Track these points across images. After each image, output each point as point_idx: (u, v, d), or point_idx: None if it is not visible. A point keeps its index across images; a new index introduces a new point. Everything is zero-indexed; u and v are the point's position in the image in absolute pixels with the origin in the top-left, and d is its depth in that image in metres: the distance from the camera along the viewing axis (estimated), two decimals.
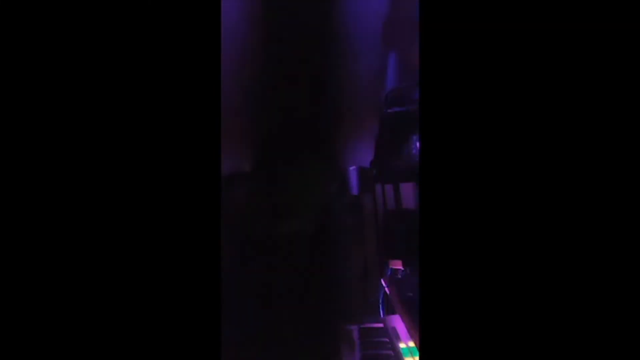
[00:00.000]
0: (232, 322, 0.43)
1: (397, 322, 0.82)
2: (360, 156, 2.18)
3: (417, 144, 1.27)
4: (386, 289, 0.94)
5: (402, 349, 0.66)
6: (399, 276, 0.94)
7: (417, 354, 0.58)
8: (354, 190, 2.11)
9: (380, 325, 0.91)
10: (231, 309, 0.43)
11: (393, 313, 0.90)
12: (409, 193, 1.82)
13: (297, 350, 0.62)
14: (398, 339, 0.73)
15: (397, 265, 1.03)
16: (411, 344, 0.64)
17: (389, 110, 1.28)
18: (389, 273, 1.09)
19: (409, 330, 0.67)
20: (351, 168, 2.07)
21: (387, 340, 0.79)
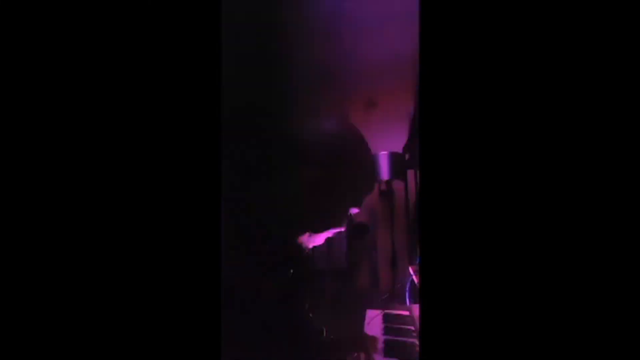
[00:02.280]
0: (250, 302, 0.42)
1: None
2: (391, 141, 2.08)
3: None
4: (413, 277, 0.89)
5: None
6: None
7: None
8: (385, 176, 2.04)
9: (406, 312, 0.87)
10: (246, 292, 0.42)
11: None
12: None
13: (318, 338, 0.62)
14: None
15: None
16: None
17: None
18: (418, 261, 1.04)
19: None
20: (382, 153, 1.99)
21: (412, 328, 0.76)
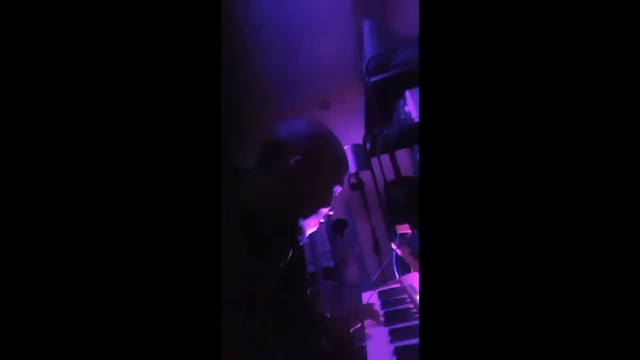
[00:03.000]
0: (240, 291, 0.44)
1: (413, 279, 0.85)
2: (350, 136, 2.17)
3: (406, 109, 1.27)
4: (397, 251, 0.96)
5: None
6: (407, 237, 0.96)
7: None
8: (352, 169, 2.11)
9: (397, 285, 0.93)
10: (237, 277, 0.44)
11: (407, 272, 0.92)
12: (404, 159, 1.82)
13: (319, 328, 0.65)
14: (415, 292, 0.75)
15: (405, 229, 1.05)
16: None
17: (372, 80, 1.28)
18: (397, 238, 1.11)
19: None
20: (345, 147, 2.07)
21: (406, 296, 0.82)
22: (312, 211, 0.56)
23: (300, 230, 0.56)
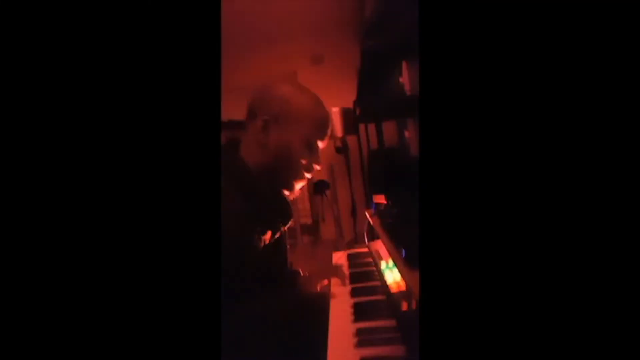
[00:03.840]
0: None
1: (379, 246, 0.93)
2: (341, 97, 2.12)
3: (400, 80, 1.25)
4: (370, 220, 1.03)
5: (383, 265, 0.77)
6: (382, 208, 1.03)
7: (395, 267, 0.68)
8: (338, 132, 2.10)
9: (365, 249, 1.02)
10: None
11: (376, 238, 1.01)
12: (391, 129, 1.83)
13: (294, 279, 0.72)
14: (380, 258, 0.83)
15: (380, 199, 1.11)
16: (390, 261, 0.74)
17: (370, 44, 1.22)
18: (373, 207, 1.18)
19: (387, 249, 0.77)
20: (333, 110, 2.04)
21: (371, 260, 0.90)
22: (292, 178, 0.60)
23: (289, 186, 0.61)
